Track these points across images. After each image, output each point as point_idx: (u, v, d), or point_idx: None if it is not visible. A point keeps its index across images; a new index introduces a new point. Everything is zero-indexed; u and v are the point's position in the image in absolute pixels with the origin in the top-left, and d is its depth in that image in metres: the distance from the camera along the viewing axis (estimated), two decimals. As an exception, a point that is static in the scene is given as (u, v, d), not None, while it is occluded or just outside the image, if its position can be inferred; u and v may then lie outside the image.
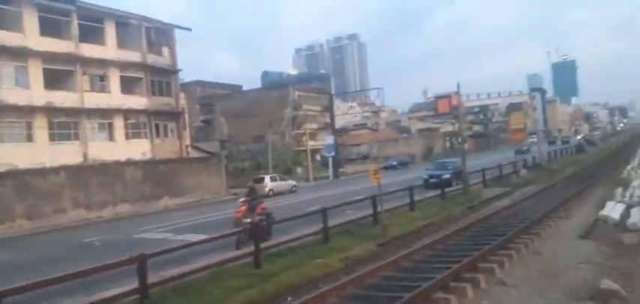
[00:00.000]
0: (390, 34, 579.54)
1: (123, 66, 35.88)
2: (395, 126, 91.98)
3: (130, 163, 34.00)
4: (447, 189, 22.84)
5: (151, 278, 9.54)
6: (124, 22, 36.71)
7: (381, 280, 9.74)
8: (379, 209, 15.91)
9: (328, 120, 60.88)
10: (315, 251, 12.89)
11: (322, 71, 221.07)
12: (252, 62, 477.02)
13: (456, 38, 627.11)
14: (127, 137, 35.80)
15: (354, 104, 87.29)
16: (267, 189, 35.44)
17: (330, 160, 51.08)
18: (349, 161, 57.55)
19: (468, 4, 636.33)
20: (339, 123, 70.79)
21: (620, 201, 16.88)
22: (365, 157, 67.44)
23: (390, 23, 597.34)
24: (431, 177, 28.66)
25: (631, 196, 18.35)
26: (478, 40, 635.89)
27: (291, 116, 65.29)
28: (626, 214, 14.62)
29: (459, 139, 38.28)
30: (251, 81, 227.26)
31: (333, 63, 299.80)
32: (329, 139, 52.94)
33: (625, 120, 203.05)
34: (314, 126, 65.66)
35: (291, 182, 40.18)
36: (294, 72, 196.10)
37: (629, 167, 32.25)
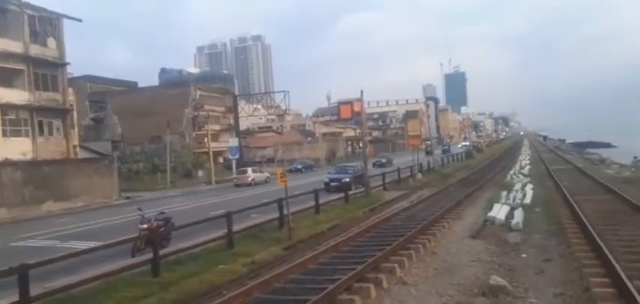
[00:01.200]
0: (295, 38, 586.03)
1: (0, 56, 32.25)
2: (300, 129, 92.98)
3: (7, 164, 30.55)
4: (349, 192, 23.43)
5: (34, 290, 8.67)
6: (1, 8, 33.00)
7: (287, 283, 9.63)
8: (285, 212, 15.81)
9: (232, 121, 59.67)
10: (218, 257, 12.45)
11: (225, 71, 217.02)
12: (150, 59, 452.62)
13: (359, 45, 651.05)
14: (5, 134, 32.23)
15: (259, 106, 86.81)
16: (249, 179, 40.53)
17: (234, 163, 50.12)
18: (254, 164, 57.04)
19: (372, 13, 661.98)
20: (243, 125, 69.73)
21: (504, 203, 18.43)
22: (270, 160, 67.22)
23: (295, 27, 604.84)
24: (332, 180, 29.90)
25: (513, 199, 20.16)
26: (380, 49, 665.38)
27: (192, 116, 62.91)
28: (510, 215, 15.99)
29: (361, 144, 39.55)
30: (148, 79, 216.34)
31: (237, 63, 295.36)
32: (233, 141, 51.90)
33: (507, 129, 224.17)
34: (216, 127, 63.89)
35: (266, 174, 43.63)
36: (195, 70, 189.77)
37: (511, 172, 35.53)
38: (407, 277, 9.89)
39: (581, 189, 22.62)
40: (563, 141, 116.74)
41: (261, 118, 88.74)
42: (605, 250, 9.96)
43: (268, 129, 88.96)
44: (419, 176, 34.71)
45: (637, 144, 76.19)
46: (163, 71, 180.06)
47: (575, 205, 16.27)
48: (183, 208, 25.59)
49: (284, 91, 52.45)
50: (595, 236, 11.37)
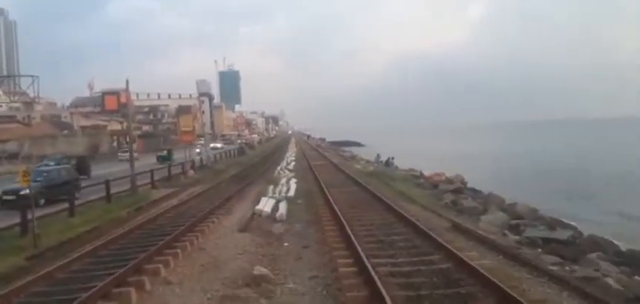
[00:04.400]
0: (52, 19, 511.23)
1: None
2: (54, 121, 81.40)
3: None
4: (59, 204, 18.51)
5: None
6: None
7: (28, 298, 8.28)
8: (29, 216, 13.58)
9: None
10: None
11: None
12: None
13: (128, 34, 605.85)
14: None
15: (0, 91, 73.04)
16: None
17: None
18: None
19: (143, 1, 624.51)
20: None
21: (271, 197, 19.53)
22: (13, 156, 57.03)
23: (52, 5, 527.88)
24: (5, 192, 19.70)
25: (279, 192, 21.53)
26: (151, 40, 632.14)
27: None
28: (276, 208, 17.01)
29: (128, 139, 36.69)
30: None
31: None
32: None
33: (276, 128, 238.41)
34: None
35: None
36: None
37: (278, 168, 37.90)
38: (171, 276, 9.57)
39: (335, 182, 25.56)
40: (323, 140, 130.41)
41: (1, 105, 74.81)
42: (350, 234, 11.45)
43: (12, 119, 75.42)
44: (191, 172, 34.18)
45: (380, 143, 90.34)
46: None
47: (329, 197, 18.27)
48: None
49: (32, 76, 45.01)
50: (343, 222, 12.97)
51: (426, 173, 34.63)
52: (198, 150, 48.16)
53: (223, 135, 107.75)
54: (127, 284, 8.70)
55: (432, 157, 54.04)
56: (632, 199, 27.56)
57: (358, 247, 10.25)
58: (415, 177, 32.67)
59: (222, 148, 65.85)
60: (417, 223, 13.19)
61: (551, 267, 10.02)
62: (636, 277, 9.51)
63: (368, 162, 47.40)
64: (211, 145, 55.75)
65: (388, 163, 45.41)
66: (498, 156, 63.44)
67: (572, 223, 18.73)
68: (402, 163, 45.05)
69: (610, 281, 9.37)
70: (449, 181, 29.17)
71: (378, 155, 52.17)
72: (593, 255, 12.63)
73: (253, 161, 49.55)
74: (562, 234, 14.94)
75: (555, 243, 13.64)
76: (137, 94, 43.37)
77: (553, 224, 17.39)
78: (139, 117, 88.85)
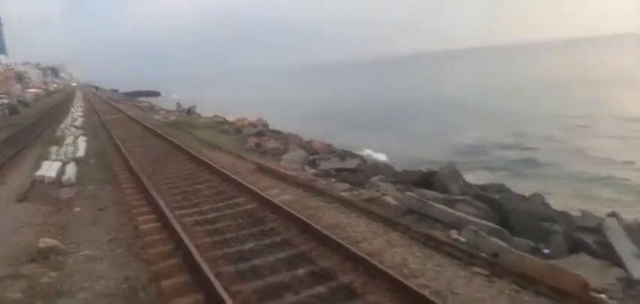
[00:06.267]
0: None
1: None
2: None
3: None
4: None
5: None
6: None
7: None
8: None
9: None
10: None
11: None
12: None
13: None
14: None
15: None
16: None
17: None
18: None
19: None
20: None
21: (56, 160, 17.27)
22: None
23: None
24: None
25: (65, 154, 19.17)
26: None
27: None
28: (62, 171, 15.12)
29: None
30: None
31: None
32: None
33: (57, 81, 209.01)
34: None
35: None
36: None
37: (62, 125, 33.56)
38: None
39: (132, 136, 23.84)
40: (116, 91, 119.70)
41: None
42: (151, 189, 10.92)
43: None
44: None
45: (179, 91, 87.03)
46: None
47: (125, 153, 17.01)
48: None
49: None
50: (143, 178, 12.27)
51: (230, 118, 34.79)
52: None
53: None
54: None
55: (234, 104, 54.47)
56: (406, 125, 32.44)
57: (160, 201, 9.86)
58: (219, 124, 32.53)
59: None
60: (222, 169, 13.26)
61: (342, 193, 11.20)
62: (407, 193, 11.26)
63: (168, 111, 45.36)
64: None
65: (190, 111, 44.24)
66: (299, 99, 67.34)
67: (360, 153, 21.09)
68: (205, 111, 44.43)
69: (388, 198, 10.90)
70: (252, 125, 29.83)
71: (178, 104, 50.32)
72: (376, 178, 14.46)
73: (31, 120, 42.90)
74: (351, 163, 16.73)
75: (346, 172, 15.23)
76: None
77: (344, 155, 19.31)
78: None
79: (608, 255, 7.39)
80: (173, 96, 78.42)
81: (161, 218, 9.16)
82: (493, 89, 54.83)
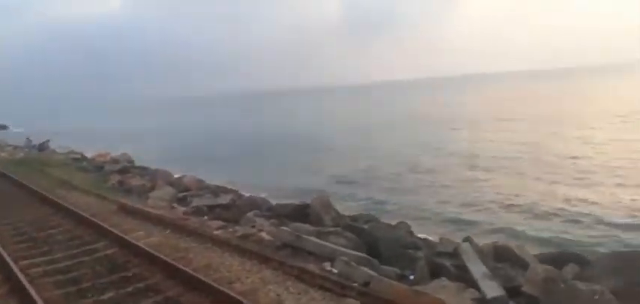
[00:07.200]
0: None
1: None
2: None
3: None
4: None
5: None
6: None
7: None
8: None
9: None
10: None
11: None
12: None
13: None
14: None
15: None
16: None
17: None
18: None
19: None
20: None
21: None
22: None
23: None
24: None
25: None
26: None
27: None
28: None
29: None
30: None
31: None
32: None
33: None
34: None
35: None
36: None
37: None
38: None
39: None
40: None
41: None
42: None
43: None
44: None
45: (32, 123, 78.19)
46: None
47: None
48: None
49: None
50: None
51: (89, 154, 31.98)
52: None
53: None
54: None
55: (95, 136, 50.40)
56: (283, 158, 32.81)
57: (1, 251, 8.55)
58: (76, 160, 29.69)
59: None
60: (78, 211, 12.00)
61: (215, 232, 10.78)
62: (282, 227, 11.19)
63: (16, 148, 40.27)
64: None
65: (43, 147, 39.83)
66: (165, 131, 64.38)
67: (233, 188, 20.66)
68: (60, 144, 40.34)
69: (263, 234, 10.73)
70: (115, 161, 27.74)
71: (28, 139, 45.07)
72: (251, 214, 14.22)
73: None
74: (224, 199, 16.29)
75: (219, 209, 14.76)
76: None
77: (217, 191, 18.77)
78: None
79: (465, 278, 8.04)
80: (20, 129, 70.05)
81: (3, 269, 7.93)
82: (365, 124, 58.16)
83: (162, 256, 8.01)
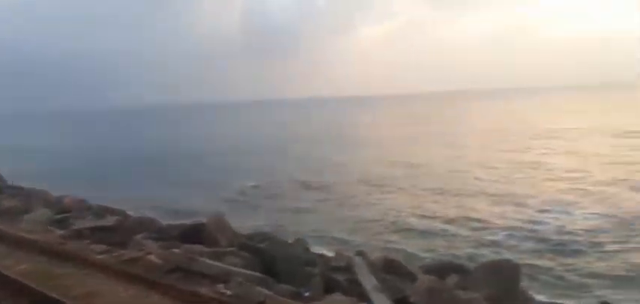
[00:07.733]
0: None
1: None
2: None
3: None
4: None
5: None
6: None
7: None
8: None
9: None
10: None
11: None
12: None
13: None
14: None
15: None
16: None
17: None
18: None
19: None
20: None
21: None
22: None
23: None
24: None
25: None
26: None
27: None
28: None
29: None
30: None
31: None
32: None
33: None
34: None
35: None
36: None
37: None
38: None
39: None
40: None
41: None
42: None
43: None
44: None
45: None
46: None
47: None
48: None
49: None
50: None
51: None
52: None
53: None
54: None
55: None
56: (177, 175, 31.49)
57: None
58: None
59: None
60: None
61: (98, 256, 9.95)
62: (173, 250, 10.64)
63: None
64: None
65: None
66: (40, 148, 58.70)
67: (120, 208, 19.34)
68: None
69: (152, 257, 10.11)
70: (-20, 181, 24.63)
71: None
72: (140, 236, 13.35)
73: None
74: (109, 221, 15.14)
75: (103, 231, 13.67)
76: None
77: (101, 212, 17.42)
78: None
79: (357, 291, 8.26)
80: None
81: None
82: (259, 142, 57.84)
83: (33, 285, 7.20)
